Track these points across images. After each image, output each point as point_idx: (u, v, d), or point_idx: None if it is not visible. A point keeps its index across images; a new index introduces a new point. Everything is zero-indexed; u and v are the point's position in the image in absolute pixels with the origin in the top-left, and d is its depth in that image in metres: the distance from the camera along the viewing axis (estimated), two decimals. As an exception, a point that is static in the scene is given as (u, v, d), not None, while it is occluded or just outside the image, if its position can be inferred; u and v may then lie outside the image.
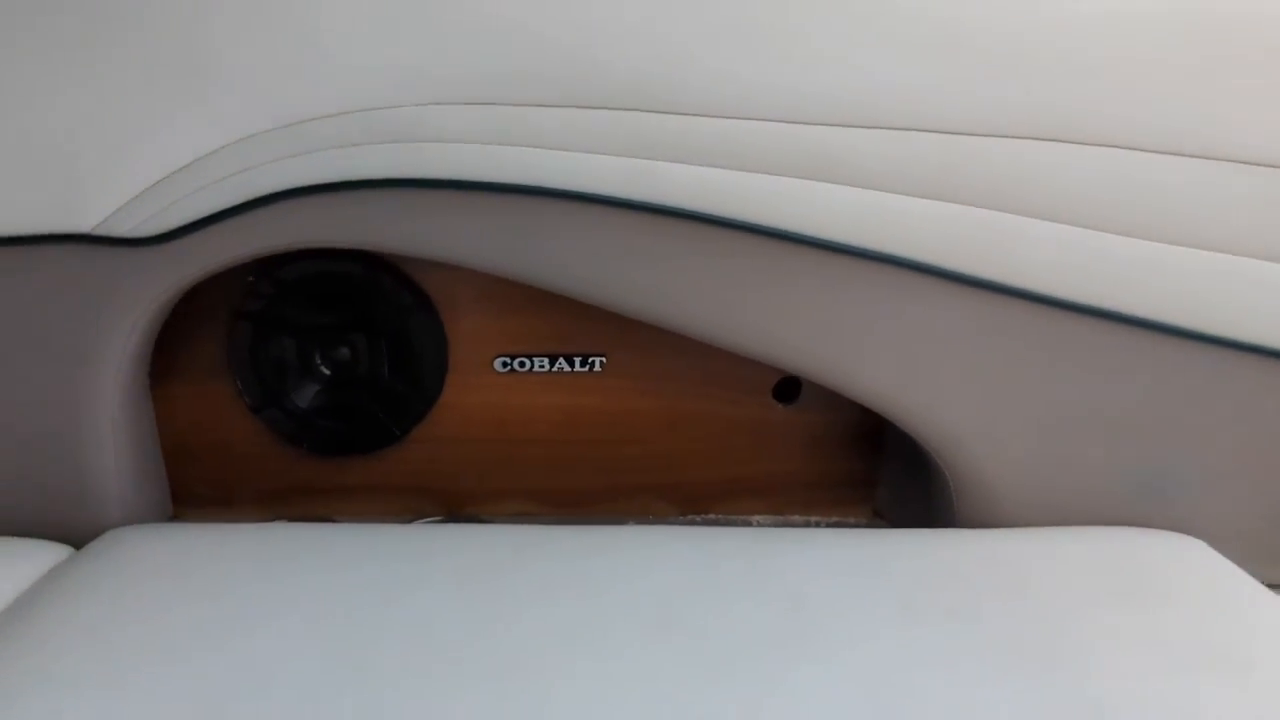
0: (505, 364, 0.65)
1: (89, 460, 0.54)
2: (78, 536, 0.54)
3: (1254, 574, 0.53)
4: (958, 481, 0.58)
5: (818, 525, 0.71)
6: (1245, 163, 0.51)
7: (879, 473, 0.71)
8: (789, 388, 0.68)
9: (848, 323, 0.54)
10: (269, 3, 0.49)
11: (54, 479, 0.54)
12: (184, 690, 0.39)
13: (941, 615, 0.46)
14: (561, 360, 0.65)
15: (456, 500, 0.68)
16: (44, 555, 0.52)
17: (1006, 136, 0.51)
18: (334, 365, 0.63)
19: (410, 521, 0.66)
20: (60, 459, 0.54)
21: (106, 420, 0.53)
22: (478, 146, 0.50)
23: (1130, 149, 0.51)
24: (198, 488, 0.66)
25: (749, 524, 0.70)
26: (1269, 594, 0.51)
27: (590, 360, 0.65)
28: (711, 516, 0.71)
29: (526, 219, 0.52)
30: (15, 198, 0.50)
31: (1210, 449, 0.57)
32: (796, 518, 0.71)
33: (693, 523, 0.70)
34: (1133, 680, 0.42)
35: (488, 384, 0.65)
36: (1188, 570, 0.54)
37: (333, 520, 0.67)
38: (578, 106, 0.50)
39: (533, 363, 0.65)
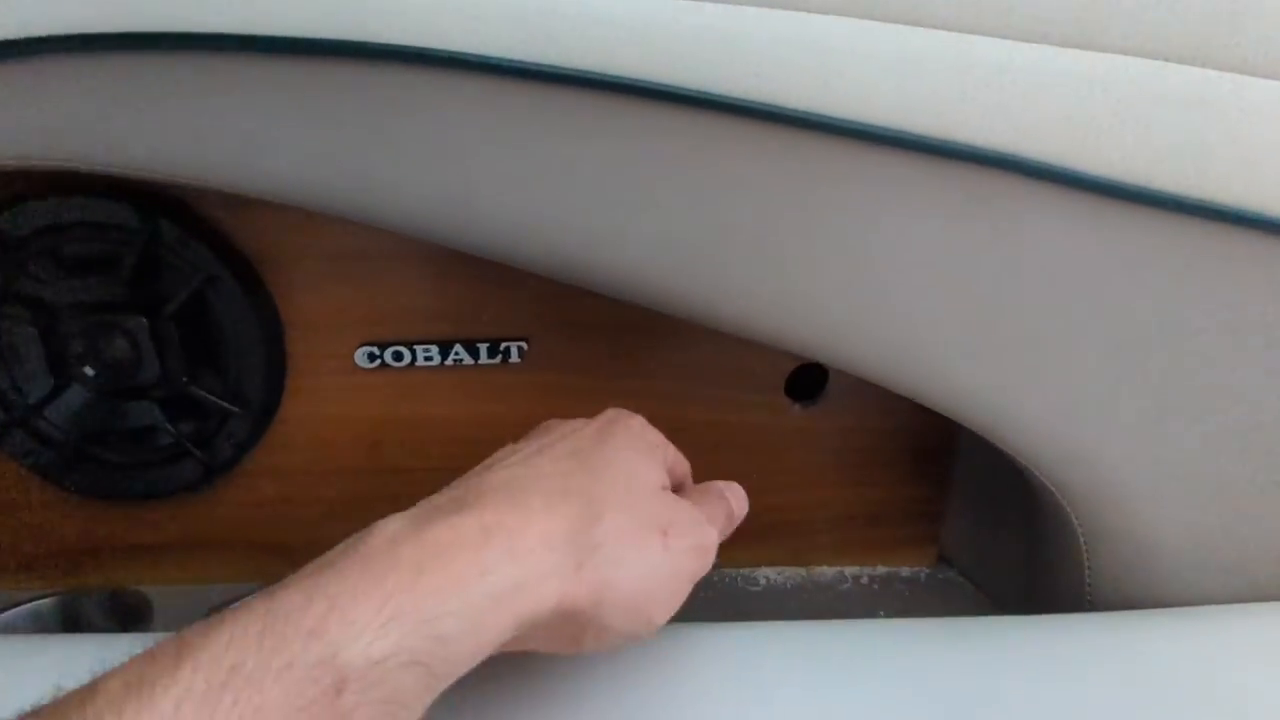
0: (374, 356, 0.42)
1: None
2: None
3: None
4: (1093, 534, 0.35)
5: (858, 579, 0.48)
6: None
7: (945, 501, 0.48)
8: (808, 380, 0.45)
9: (905, 280, 0.31)
10: None
11: None
12: None
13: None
14: (460, 349, 0.43)
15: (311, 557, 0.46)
16: None
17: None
18: (104, 365, 0.41)
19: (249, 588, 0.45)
20: None
21: None
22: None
23: None
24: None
25: (754, 581, 0.48)
26: None
27: (503, 348, 0.43)
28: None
29: (370, 107, 0.30)
30: None
31: None
32: (824, 569, 0.49)
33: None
34: None
35: (350, 386, 0.43)
36: None
37: (140, 591, 0.46)
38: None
39: (415, 354, 0.43)
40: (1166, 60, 0.29)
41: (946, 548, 0.49)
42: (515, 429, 0.43)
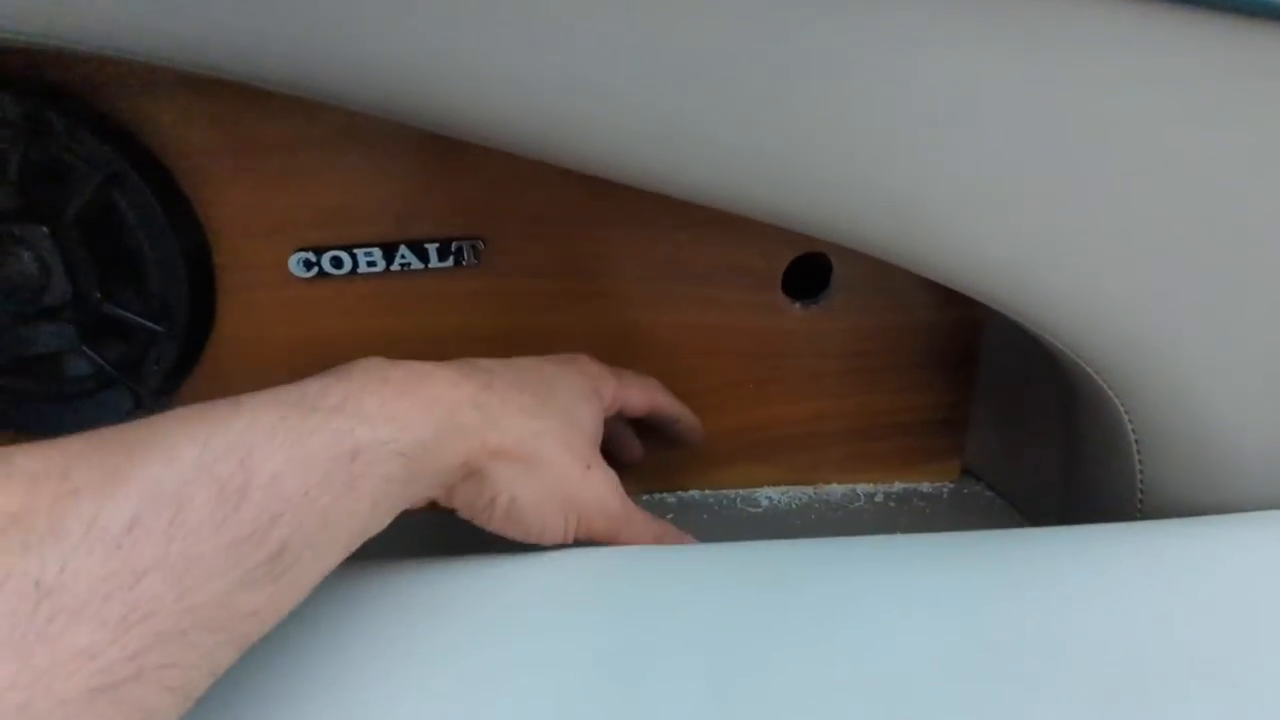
0: (309, 264, 0.37)
1: None
2: None
3: None
4: (1148, 433, 0.30)
5: (873, 496, 0.43)
6: None
7: (969, 408, 0.43)
8: (809, 274, 0.39)
9: (919, 124, 0.25)
10: None
11: None
12: None
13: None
14: (406, 252, 0.37)
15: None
16: None
17: None
18: (7, 285, 0.36)
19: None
20: None
21: None
22: None
23: None
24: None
25: (754, 502, 0.43)
26: None
27: (455, 248, 0.37)
28: (693, 493, 0.44)
29: None
30: None
31: None
32: (834, 487, 0.44)
33: (663, 505, 0.43)
34: None
35: (287, 301, 0.38)
36: None
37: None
38: None
39: (357, 259, 0.37)
40: None
41: (971, 460, 0.44)
42: (475, 345, 0.38)
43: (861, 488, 0.44)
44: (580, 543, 0.31)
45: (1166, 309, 0.27)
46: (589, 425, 0.32)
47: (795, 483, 0.44)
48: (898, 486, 0.44)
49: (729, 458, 0.43)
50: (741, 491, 0.43)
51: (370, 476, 0.23)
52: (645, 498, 0.43)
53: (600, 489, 0.30)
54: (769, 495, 0.43)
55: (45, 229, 0.35)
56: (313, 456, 0.22)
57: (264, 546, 0.21)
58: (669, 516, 0.41)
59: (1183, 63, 0.24)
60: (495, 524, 0.29)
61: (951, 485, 0.44)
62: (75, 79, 0.34)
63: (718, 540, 0.31)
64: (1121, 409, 0.30)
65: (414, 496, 0.26)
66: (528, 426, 0.28)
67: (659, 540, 0.33)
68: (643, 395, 0.36)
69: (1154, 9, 0.24)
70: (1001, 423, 0.42)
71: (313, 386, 0.24)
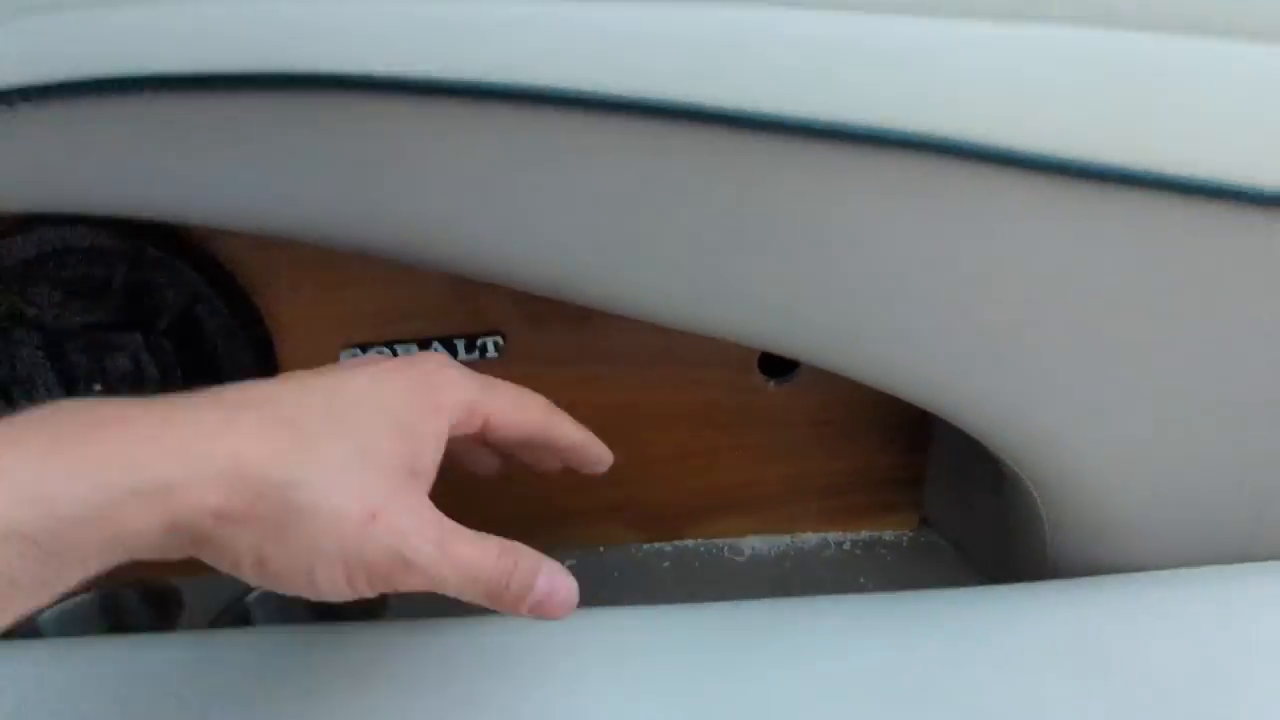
0: (357, 355, 0.44)
1: None
2: None
3: None
4: (1053, 507, 0.36)
5: (841, 545, 0.50)
6: None
7: (924, 466, 0.49)
8: (779, 359, 0.46)
9: (863, 274, 0.32)
10: None
11: None
12: None
13: None
14: (438, 345, 0.44)
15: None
16: None
17: None
18: (110, 381, 0.44)
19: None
20: None
21: None
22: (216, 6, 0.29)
23: None
24: None
25: (739, 551, 0.49)
26: None
27: (480, 343, 0.44)
28: (686, 543, 0.50)
29: (358, 145, 0.31)
30: None
31: None
32: (809, 536, 0.50)
33: (660, 554, 0.50)
34: None
35: (338, 388, 0.45)
36: None
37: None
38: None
39: (396, 353, 0.44)
40: (1105, 27, 0.29)
41: (928, 511, 0.50)
42: (497, 419, 0.45)
43: (832, 536, 0.50)
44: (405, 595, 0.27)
45: (1062, 417, 0.34)
46: (394, 458, 0.26)
47: (774, 532, 0.50)
48: (864, 534, 0.50)
49: (717, 512, 0.50)
50: (729, 541, 0.50)
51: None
52: (646, 548, 0.50)
53: (392, 540, 0.25)
54: (752, 545, 0.50)
55: (140, 336, 0.42)
56: None
57: None
58: (665, 565, 0.48)
59: (1070, 228, 0.31)
60: (257, 584, 0.25)
61: (910, 534, 0.50)
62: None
63: (714, 587, 0.37)
64: (1033, 490, 0.36)
65: (82, 566, 0.22)
66: (280, 475, 0.23)
67: (496, 588, 0.27)
68: (518, 414, 0.31)
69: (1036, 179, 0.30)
70: (951, 480, 0.48)
71: None
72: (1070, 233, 0.30)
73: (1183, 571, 0.35)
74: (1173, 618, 0.33)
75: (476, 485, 0.39)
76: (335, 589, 0.25)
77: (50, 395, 0.44)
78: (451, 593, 0.26)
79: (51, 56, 0.29)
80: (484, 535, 0.27)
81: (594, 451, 0.35)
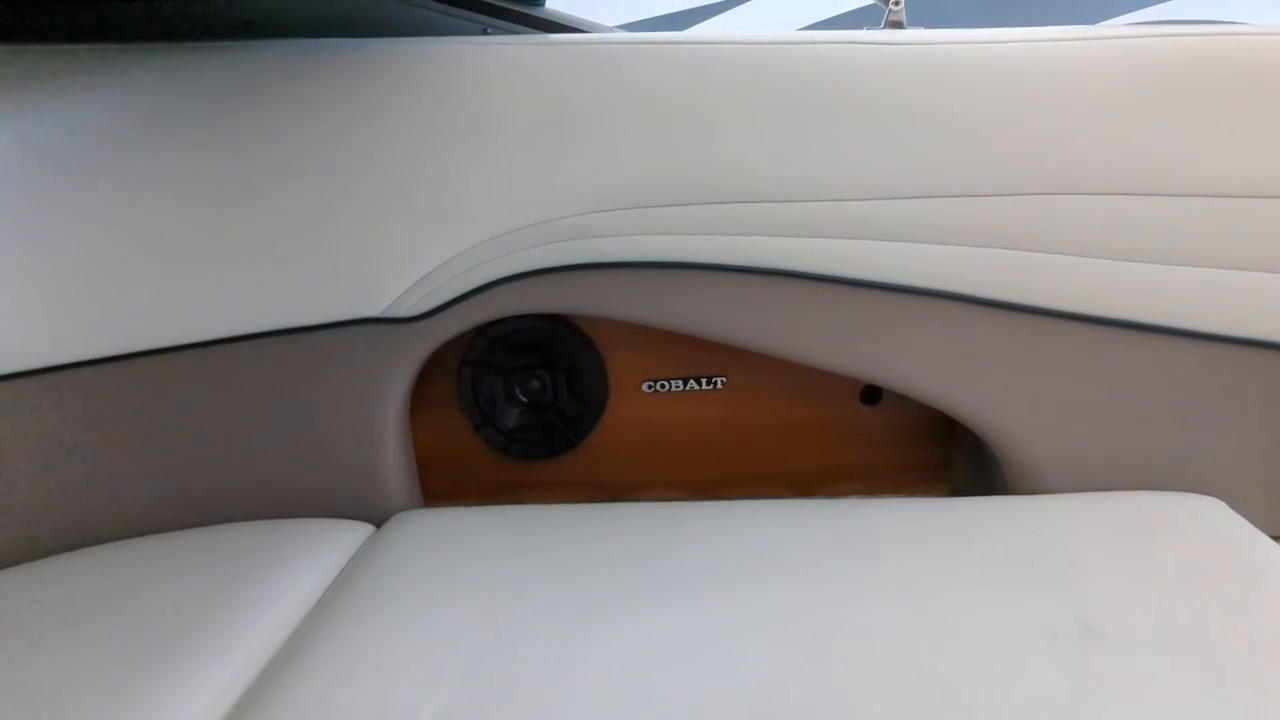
0: (650, 386, 0.86)
1: (382, 464, 0.80)
2: (374, 517, 0.80)
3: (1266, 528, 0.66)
4: (1008, 462, 0.74)
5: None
6: (1216, 196, 0.65)
7: (953, 457, 0.87)
8: (872, 393, 0.85)
9: (915, 342, 0.72)
10: (486, 163, 0.74)
11: (359, 478, 0.80)
12: (512, 640, 0.62)
13: (979, 553, 0.63)
14: (692, 381, 0.86)
15: (618, 489, 0.90)
16: (357, 530, 0.78)
17: (1019, 195, 0.68)
18: (528, 394, 0.87)
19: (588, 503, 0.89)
20: (363, 464, 0.80)
21: (391, 437, 0.79)
22: (626, 238, 0.72)
23: (1120, 194, 0.67)
24: (436, 486, 0.92)
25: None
26: (1269, 541, 0.65)
27: (713, 380, 0.86)
28: (814, 498, 0.89)
29: (664, 285, 0.74)
30: (330, 295, 0.77)
31: (1223, 423, 0.71)
32: (887, 496, 0.88)
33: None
34: (1121, 598, 0.58)
35: (638, 402, 0.87)
36: (1198, 521, 0.67)
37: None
38: (693, 204, 0.71)
39: (670, 384, 0.86)
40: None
41: (955, 483, 0.88)
42: (718, 423, 0.86)
43: (902, 496, 0.88)
44: None
45: (1008, 411, 0.72)
46: None
47: (866, 492, 0.89)
48: (916, 495, 0.88)
49: (835, 479, 0.89)
50: (838, 497, 0.89)
51: None
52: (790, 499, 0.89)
53: None
54: (854, 497, 0.88)
55: (548, 373, 0.86)
56: None
57: None
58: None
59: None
60: None
61: (944, 499, 0.88)
62: (568, 314, 0.85)
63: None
64: (997, 451, 0.74)
65: None
66: None
67: None
68: None
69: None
70: (965, 462, 0.86)
71: None
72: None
73: (1068, 495, 0.72)
74: (1087, 523, 0.70)
75: (704, 459, 0.81)
76: None
77: (505, 405, 0.87)
78: None
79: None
80: None
81: None
